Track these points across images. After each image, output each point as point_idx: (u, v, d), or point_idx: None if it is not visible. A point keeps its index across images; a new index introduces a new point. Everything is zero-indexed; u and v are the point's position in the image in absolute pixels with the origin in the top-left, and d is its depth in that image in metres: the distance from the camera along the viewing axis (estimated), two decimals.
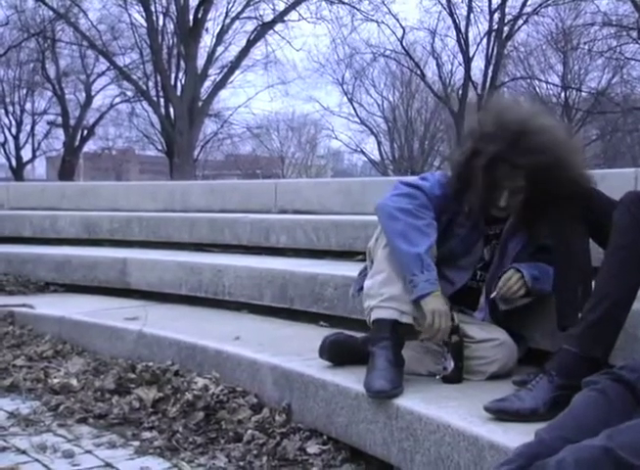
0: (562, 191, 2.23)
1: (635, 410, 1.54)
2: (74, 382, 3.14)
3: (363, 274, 2.50)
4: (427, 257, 2.25)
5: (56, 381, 3.17)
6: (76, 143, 24.07)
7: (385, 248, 2.34)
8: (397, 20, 21.09)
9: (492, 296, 2.38)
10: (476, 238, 2.44)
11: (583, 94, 22.81)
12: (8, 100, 24.52)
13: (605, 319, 1.96)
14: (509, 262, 2.41)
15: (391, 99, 28.30)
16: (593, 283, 2.09)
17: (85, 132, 24.43)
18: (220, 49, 20.38)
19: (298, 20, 19.73)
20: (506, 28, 20.69)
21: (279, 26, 19.67)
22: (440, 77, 23.09)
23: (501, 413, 1.91)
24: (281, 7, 19.21)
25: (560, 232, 2.25)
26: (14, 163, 25.47)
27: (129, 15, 20.17)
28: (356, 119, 27.12)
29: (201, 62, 19.33)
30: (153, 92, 20.83)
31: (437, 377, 2.32)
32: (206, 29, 19.38)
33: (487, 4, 20.44)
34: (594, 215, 2.19)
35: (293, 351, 2.80)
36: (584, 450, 1.40)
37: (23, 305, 4.21)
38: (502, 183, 2.27)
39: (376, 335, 2.28)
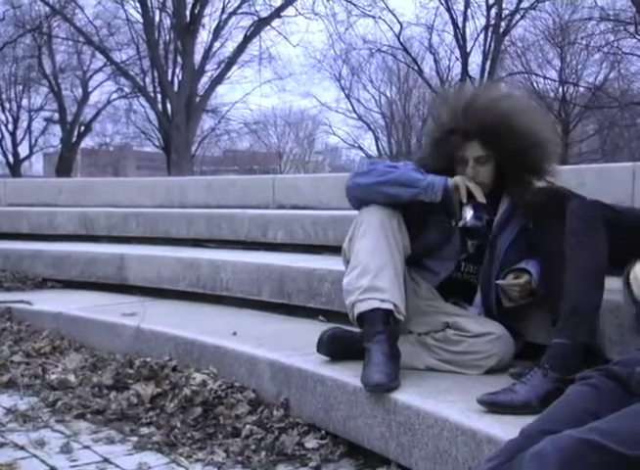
0: (520, 152, 2.31)
1: (625, 406, 1.52)
2: (72, 378, 3.14)
3: None
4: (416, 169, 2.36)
5: (54, 377, 3.17)
6: (73, 139, 23.98)
7: (360, 240, 2.34)
8: (394, 15, 21.13)
9: (499, 282, 2.35)
10: (452, 226, 2.44)
11: (581, 89, 22.77)
12: (4, 96, 24.46)
13: (579, 305, 2.00)
14: (499, 258, 2.41)
15: (389, 94, 28.28)
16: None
17: (82, 128, 24.35)
18: (217, 45, 20.36)
19: (295, 15, 19.73)
20: (503, 23, 20.67)
21: (275, 22, 19.66)
22: (438, 73, 23.09)
23: (493, 406, 1.91)
24: (277, 2, 19.19)
25: (548, 225, 2.25)
26: (11, 159, 25.45)
27: (125, 11, 20.12)
28: (354, 115, 27.15)
29: (197, 57, 19.27)
30: (150, 88, 20.72)
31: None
32: (203, 25, 19.35)
33: None
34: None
35: (290, 346, 2.80)
36: (565, 439, 1.35)
37: (21, 302, 4.21)
38: (461, 155, 2.36)
39: (369, 330, 2.27)
